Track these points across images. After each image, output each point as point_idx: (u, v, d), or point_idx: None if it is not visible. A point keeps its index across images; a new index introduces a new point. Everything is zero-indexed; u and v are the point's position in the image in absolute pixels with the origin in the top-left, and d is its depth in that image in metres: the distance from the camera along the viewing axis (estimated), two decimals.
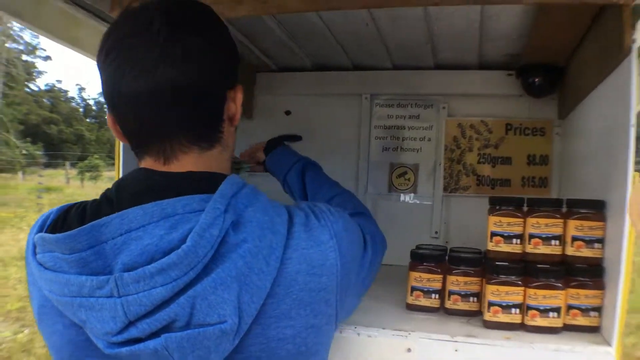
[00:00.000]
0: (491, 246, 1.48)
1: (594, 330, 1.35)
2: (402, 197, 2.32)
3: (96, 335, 0.76)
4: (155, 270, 0.73)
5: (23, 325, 5.44)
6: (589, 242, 1.39)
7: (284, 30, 1.91)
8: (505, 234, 1.47)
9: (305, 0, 1.30)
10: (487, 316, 1.39)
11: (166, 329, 0.75)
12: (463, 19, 1.70)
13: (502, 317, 1.38)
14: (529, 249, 1.44)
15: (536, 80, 1.97)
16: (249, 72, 2.41)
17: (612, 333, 1.26)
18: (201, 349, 0.75)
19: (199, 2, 0.91)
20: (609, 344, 1.26)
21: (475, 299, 1.47)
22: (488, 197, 1.53)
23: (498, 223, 1.47)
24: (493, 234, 1.48)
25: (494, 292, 1.38)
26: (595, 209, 1.39)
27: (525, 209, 1.48)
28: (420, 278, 1.53)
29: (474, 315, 1.47)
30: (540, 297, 1.35)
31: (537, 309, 1.35)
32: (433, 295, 1.52)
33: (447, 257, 1.55)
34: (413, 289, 1.54)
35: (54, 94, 43.09)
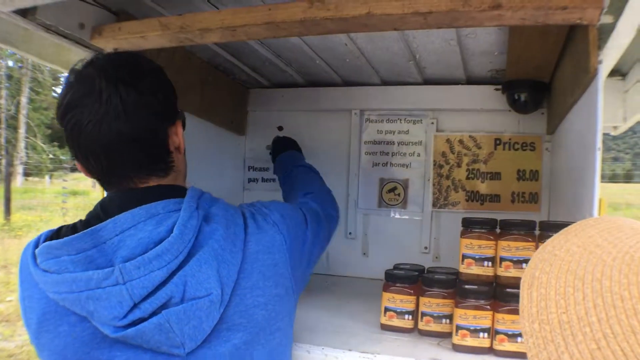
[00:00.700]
0: (463, 268, 1.48)
1: None
2: (392, 213, 2.32)
3: (103, 322, 0.90)
4: (153, 256, 0.90)
5: None
6: None
7: (268, 50, 1.92)
8: (477, 257, 1.46)
9: (268, 29, 1.31)
10: (456, 340, 1.38)
11: (165, 306, 0.91)
12: (439, 38, 1.69)
13: (471, 341, 1.37)
14: (500, 272, 1.43)
15: (521, 95, 1.95)
16: (240, 89, 2.43)
17: None
18: (195, 319, 0.92)
19: (132, 56, 1.08)
20: None
21: (448, 320, 1.46)
22: (461, 219, 1.53)
23: (469, 245, 1.47)
24: (465, 256, 1.47)
25: (462, 316, 1.38)
26: None
27: (497, 231, 1.47)
28: (394, 299, 1.53)
29: (447, 336, 1.46)
30: (508, 321, 1.34)
31: (506, 334, 1.34)
32: (406, 316, 1.52)
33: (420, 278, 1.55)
34: (386, 309, 1.54)
35: None
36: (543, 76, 1.88)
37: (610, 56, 1.52)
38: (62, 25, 1.48)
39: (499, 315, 1.35)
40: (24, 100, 21.77)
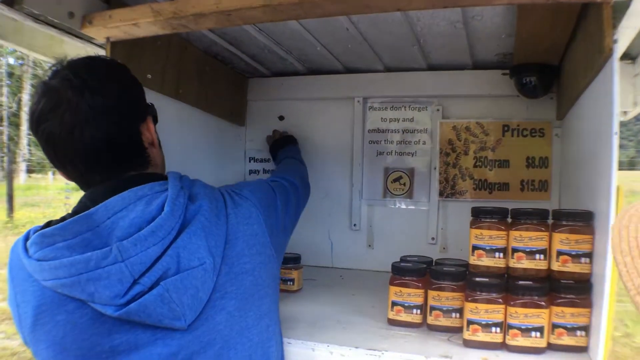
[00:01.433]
0: (473, 260, 1.42)
1: (581, 350, 1.27)
2: (397, 203, 2.26)
3: (105, 302, 0.92)
4: (147, 233, 0.95)
5: None
6: (576, 257, 1.31)
7: (267, 37, 1.86)
8: (488, 248, 1.40)
9: (265, 12, 1.25)
10: (467, 335, 1.33)
11: (162, 277, 0.95)
12: (445, 21, 1.62)
13: (482, 336, 1.31)
14: (513, 263, 1.37)
15: (530, 79, 1.88)
16: (239, 78, 2.36)
17: (598, 354, 1.19)
18: (191, 289, 0.97)
19: (95, 61, 1.10)
20: None
21: (458, 314, 1.41)
22: (470, 208, 1.46)
23: (479, 236, 1.41)
24: (475, 247, 1.41)
25: (473, 310, 1.32)
26: (583, 221, 1.32)
27: (509, 220, 1.41)
28: (401, 293, 1.47)
29: (457, 331, 1.40)
30: (521, 315, 1.28)
31: (519, 328, 1.28)
32: (414, 311, 1.46)
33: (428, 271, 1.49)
34: (394, 303, 1.48)
35: None
36: (553, 59, 1.81)
37: (624, 36, 1.46)
38: (50, 14, 1.43)
39: (511, 309, 1.29)
40: (25, 97, 21.72)
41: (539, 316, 1.27)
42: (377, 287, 1.84)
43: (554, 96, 2.02)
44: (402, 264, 1.55)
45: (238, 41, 1.94)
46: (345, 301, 1.76)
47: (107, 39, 1.51)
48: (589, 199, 1.38)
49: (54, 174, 22.08)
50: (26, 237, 1.00)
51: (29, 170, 22.48)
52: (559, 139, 2.03)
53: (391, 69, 2.21)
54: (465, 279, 1.40)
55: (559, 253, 1.32)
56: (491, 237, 1.39)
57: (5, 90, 21.45)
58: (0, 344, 4.66)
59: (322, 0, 1.17)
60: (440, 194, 2.18)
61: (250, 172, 2.47)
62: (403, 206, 2.25)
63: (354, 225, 2.30)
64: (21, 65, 22.23)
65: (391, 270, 1.51)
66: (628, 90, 2.16)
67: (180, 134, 1.91)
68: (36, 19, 1.41)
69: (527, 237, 1.35)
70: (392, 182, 2.26)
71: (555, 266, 1.32)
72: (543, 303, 1.28)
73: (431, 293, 1.44)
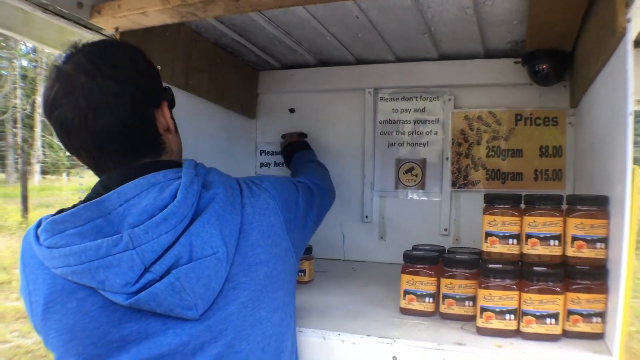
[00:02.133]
0: (486, 247, 1.40)
1: (597, 337, 1.25)
2: (409, 194, 2.24)
3: (115, 290, 0.91)
4: (160, 220, 0.93)
5: None
6: (591, 242, 1.29)
7: (277, 27, 1.85)
8: (501, 234, 1.38)
9: None
10: (480, 322, 1.31)
11: (174, 266, 0.94)
12: (454, 7, 1.61)
13: (496, 324, 1.29)
14: (526, 249, 1.35)
15: (543, 67, 1.86)
16: (250, 71, 2.36)
17: (614, 341, 1.16)
18: (204, 278, 0.95)
19: (109, 45, 1.09)
20: (610, 352, 1.17)
21: (471, 303, 1.39)
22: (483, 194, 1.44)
23: (493, 222, 1.39)
24: (488, 234, 1.40)
25: (487, 297, 1.30)
26: (597, 206, 1.29)
27: (522, 206, 1.39)
28: (413, 281, 1.46)
29: (471, 320, 1.38)
30: (536, 302, 1.26)
31: (533, 315, 1.26)
32: (427, 299, 1.45)
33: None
34: (406, 292, 1.47)
35: None
36: (565, 45, 1.79)
37: (638, 16, 1.42)
38: (59, 4, 1.44)
39: (525, 296, 1.27)
40: (39, 99, 21.90)
41: (554, 302, 1.25)
42: (389, 278, 1.83)
43: (567, 84, 2.00)
44: (414, 252, 1.53)
45: (248, 32, 1.93)
46: (356, 292, 1.75)
47: (116, 29, 1.51)
48: (604, 183, 1.35)
49: (68, 175, 22.29)
50: (38, 225, 0.99)
51: (43, 172, 22.62)
52: (572, 128, 2.01)
53: (402, 59, 2.20)
54: (479, 267, 1.39)
55: (574, 238, 1.30)
56: (504, 223, 1.37)
57: (19, 92, 21.62)
58: (14, 342, 4.69)
59: None
60: (453, 184, 2.16)
61: (262, 165, 2.46)
62: (415, 197, 2.24)
63: (366, 217, 2.29)
64: (35, 67, 22.41)
65: (403, 258, 1.50)
66: None
67: (190, 125, 1.91)
68: (45, 9, 1.42)
69: (541, 223, 1.33)
70: (404, 174, 2.25)
71: (570, 252, 1.30)
72: (558, 289, 1.26)
73: (444, 281, 1.42)
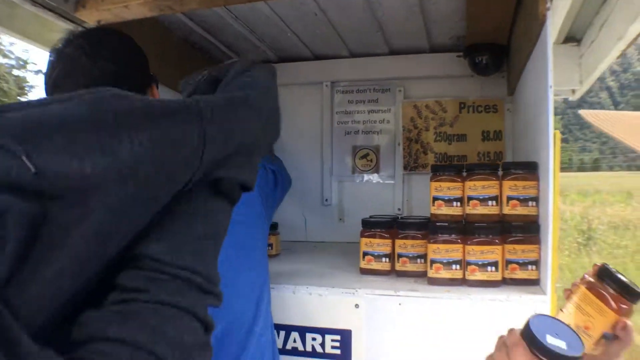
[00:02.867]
0: (434, 210, 1.59)
1: (533, 283, 1.44)
2: (365, 178, 2.43)
3: None
4: None
5: None
6: (524, 201, 1.49)
7: (242, 24, 2.01)
8: (446, 198, 1.57)
9: None
10: (430, 273, 1.49)
11: None
12: (403, 4, 1.80)
13: (444, 274, 1.48)
14: (469, 210, 1.55)
15: (482, 59, 2.08)
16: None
17: (547, 283, 1.36)
18: None
19: (105, 31, 1.19)
20: (544, 292, 1.36)
21: (423, 260, 1.57)
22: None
23: (439, 188, 1.58)
24: (435, 199, 1.58)
25: (435, 251, 1.48)
26: (528, 170, 1.49)
27: (464, 173, 1.59)
28: (371, 243, 1.63)
29: (423, 276, 1.56)
30: (478, 252, 1.46)
31: (476, 264, 1.45)
32: (384, 259, 1.62)
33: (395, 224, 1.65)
34: (365, 253, 1.64)
35: None
36: (501, 38, 2.01)
37: (559, 7, 1.64)
38: None
39: (469, 247, 1.46)
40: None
41: (493, 252, 1.45)
42: (349, 254, 1.97)
43: (505, 74, 2.23)
44: (371, 219, 1.71)
45: (215, 29, 2.08)
46: (320, 261, 1.92)
47: (98, 22, 1.62)
48: (534, 152, 1.56)
49: None
50: None
51: None
52: (510, 114, 2.23)
53: (356, 55, 2.38)
54: (428, 227, 1.57)
55: (509, 198, 1.50)
56: (449, 188, 1.57)
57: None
58: None
59: None
60: (405, 167, 2.35)
61: None
62: (371, 180, 2.43)
63: (326, 200, 2.45)
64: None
65: (362, 224, 1.67)
66: (574, 70, 2.37)
67: None
68: (34, 1, 1.52)
69: (481, 186, 1.53)
70: (359, 159, 2.43)
71: (506, 210, 1.50)
72: (497, 241, 1.45)
73: (398, 242, 1.60)
